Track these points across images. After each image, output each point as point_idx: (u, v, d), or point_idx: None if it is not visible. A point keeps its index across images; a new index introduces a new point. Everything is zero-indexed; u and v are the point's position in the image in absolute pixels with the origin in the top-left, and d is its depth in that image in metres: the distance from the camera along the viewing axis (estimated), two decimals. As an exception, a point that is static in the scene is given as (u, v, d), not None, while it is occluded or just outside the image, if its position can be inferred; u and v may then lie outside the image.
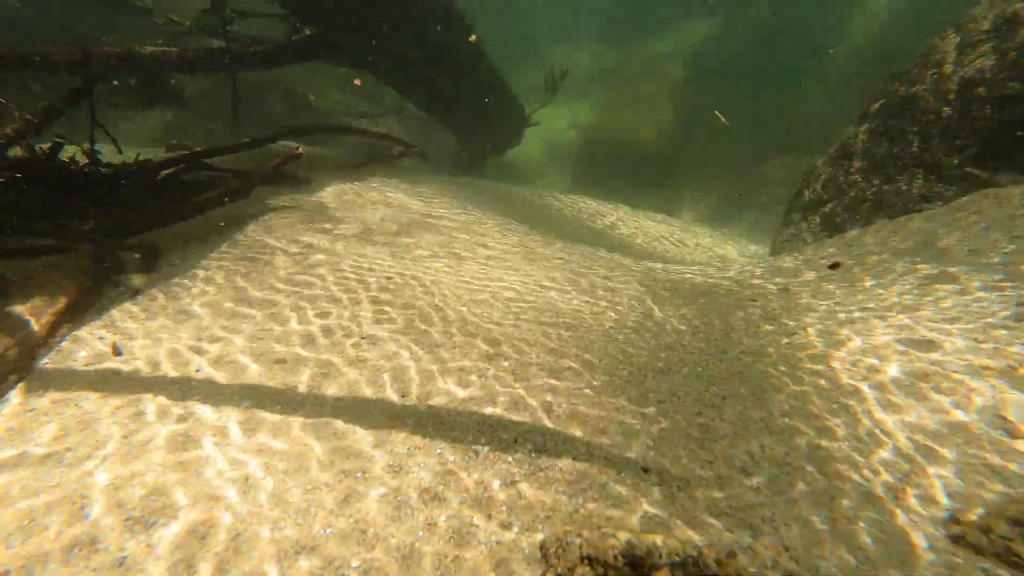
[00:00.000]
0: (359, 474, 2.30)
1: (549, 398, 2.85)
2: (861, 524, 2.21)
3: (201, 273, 4.05)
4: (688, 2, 21.99)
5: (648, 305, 4.20)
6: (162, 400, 2.67)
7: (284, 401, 2.72)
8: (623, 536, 1.95)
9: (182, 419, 2.55)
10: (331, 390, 2.82)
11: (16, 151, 4.22)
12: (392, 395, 2.81)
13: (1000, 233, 4.42)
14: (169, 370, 2.91)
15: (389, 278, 4.11)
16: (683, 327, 3.84)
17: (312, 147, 9.19)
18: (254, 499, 2.14)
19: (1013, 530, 1.92)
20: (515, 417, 2.69)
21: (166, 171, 5.21)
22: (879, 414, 2.82)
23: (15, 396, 2.65)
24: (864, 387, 3.03)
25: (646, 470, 2.45)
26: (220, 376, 2.88)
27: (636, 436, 2.66)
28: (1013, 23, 5.23)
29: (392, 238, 5.19)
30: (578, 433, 2.63)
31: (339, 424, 2.58)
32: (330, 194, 6.37)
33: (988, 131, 5.24)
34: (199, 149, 5.64)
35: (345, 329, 3.37)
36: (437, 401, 2.79)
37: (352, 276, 4.10)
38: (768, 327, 3.84)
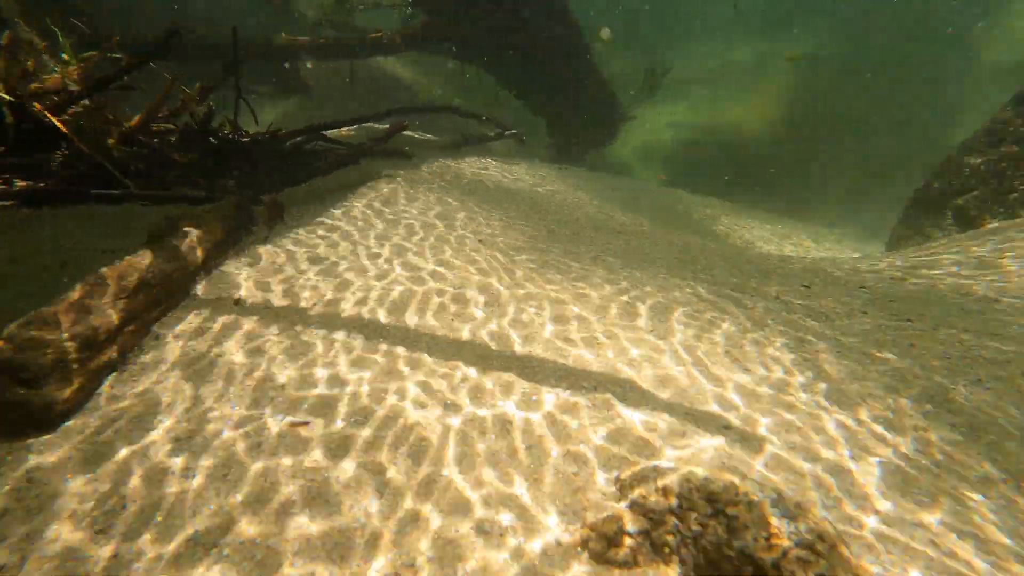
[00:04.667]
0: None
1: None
2: None
3: (319, 226, 4.54)
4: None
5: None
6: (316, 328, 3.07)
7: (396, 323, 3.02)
8: (700, 472, 1.99)
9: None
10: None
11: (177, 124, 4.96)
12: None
13: None
14: (291, 303, 3.34)
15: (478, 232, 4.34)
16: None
17: (415, 131, 9.78)
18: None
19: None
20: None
21: (291, 141, 5.87)
22: None
23: (179, 311, 3.20)
24: None
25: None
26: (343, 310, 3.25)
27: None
28: None
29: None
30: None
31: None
32: (427, 167, 6.78)
33: None
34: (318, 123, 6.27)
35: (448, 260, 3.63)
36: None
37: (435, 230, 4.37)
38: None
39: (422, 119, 10.67)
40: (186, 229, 3.31)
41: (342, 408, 2.41)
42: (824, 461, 2.28)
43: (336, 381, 2.58)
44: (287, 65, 9.33)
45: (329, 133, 6.46)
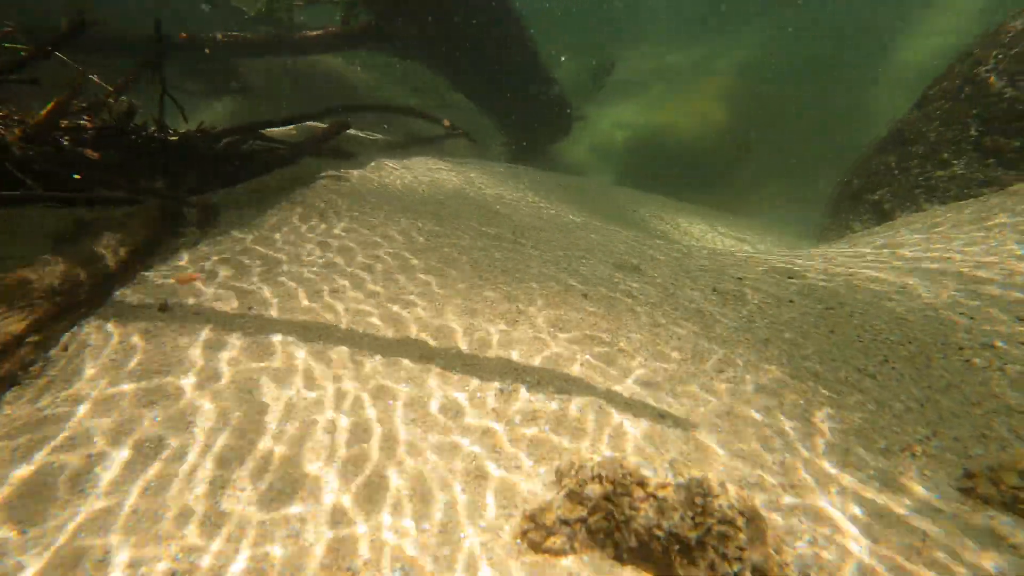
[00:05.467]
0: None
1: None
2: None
3: (254, 227, 4.36)
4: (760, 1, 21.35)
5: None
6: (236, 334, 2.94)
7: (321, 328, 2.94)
8: (633, 458, 2.05)
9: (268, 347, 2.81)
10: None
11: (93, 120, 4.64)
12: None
13: None
14: (226, 307, 3.19)
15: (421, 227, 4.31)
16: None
17: (358, 131, 9.56)
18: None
19: (1022, 481, 1.90)
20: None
21: (226, 140, 5.62)
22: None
23: (93, 320, 2.99)
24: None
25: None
26: (274, 312, 3.14)
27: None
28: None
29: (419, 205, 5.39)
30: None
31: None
32: (371, 167, 6.65)
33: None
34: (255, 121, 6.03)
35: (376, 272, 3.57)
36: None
37: (372, 243, 4.31)
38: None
39: (369, 118, 10.46)
40: (100, 232, 3.11)
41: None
42: (752, 442, 2.40)
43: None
44: (214, 58, 8.91)
45: (270, 132, 6.23)
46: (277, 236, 4.23)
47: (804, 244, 8.70)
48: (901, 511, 2.06)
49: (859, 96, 17.66)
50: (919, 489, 2.16)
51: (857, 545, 1.94)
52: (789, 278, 4.39)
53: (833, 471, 2.26)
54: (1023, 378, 2.81)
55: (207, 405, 2.34)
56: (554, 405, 2.52)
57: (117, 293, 3.25)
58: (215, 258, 3.75)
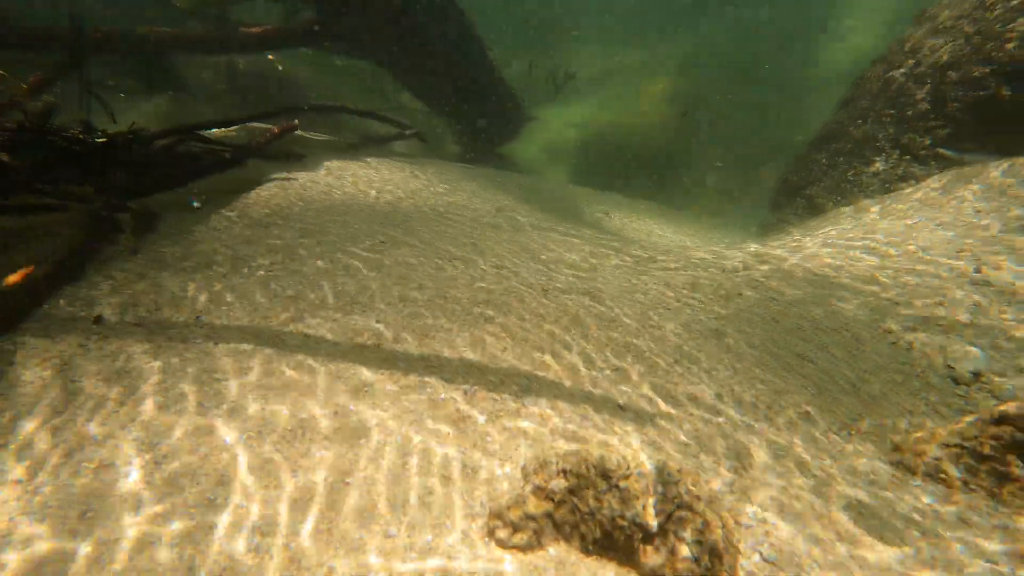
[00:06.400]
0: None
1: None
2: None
3: (195, 234, 4.16)
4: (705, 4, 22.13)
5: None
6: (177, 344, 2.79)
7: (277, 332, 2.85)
8: (596, 451, 2.11)
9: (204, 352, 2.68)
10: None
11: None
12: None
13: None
14: (174, 316, 3.03)
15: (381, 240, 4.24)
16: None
17: (307, 132, 9.25)
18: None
19: (940, 451, 2.10)
20: (499, 360, 2.82)
21: (161, 141, 5.30)
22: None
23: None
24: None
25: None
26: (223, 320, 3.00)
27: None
28: (981, 9, 5.42)
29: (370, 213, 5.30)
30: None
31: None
32: (322, 169, 6.47)
33: (959, 114, 5.43)
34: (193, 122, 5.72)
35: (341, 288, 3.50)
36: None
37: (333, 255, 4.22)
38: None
39: (321, 120, 10.14)
40: (19, 244, 2.88)
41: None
42: (707, 428, 2.52)
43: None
44: (146, 56, 8.40)
45: (217, 133, 5.94)
46: (220, 245, 4.05)
47: (748, 238, 9.18)
48: (842, 486, 2.23)
49: (796, 96, 18.76)
50: (859, 463, 2.34)
51: (799, 518, 2.08)
52: (737, 272, 4.62)
53: (781, 452, 2.41)
54: (939, 357, 3.09)
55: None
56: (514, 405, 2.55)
57: (48, 305, 3.02)
58: (151, 268, 3.55)
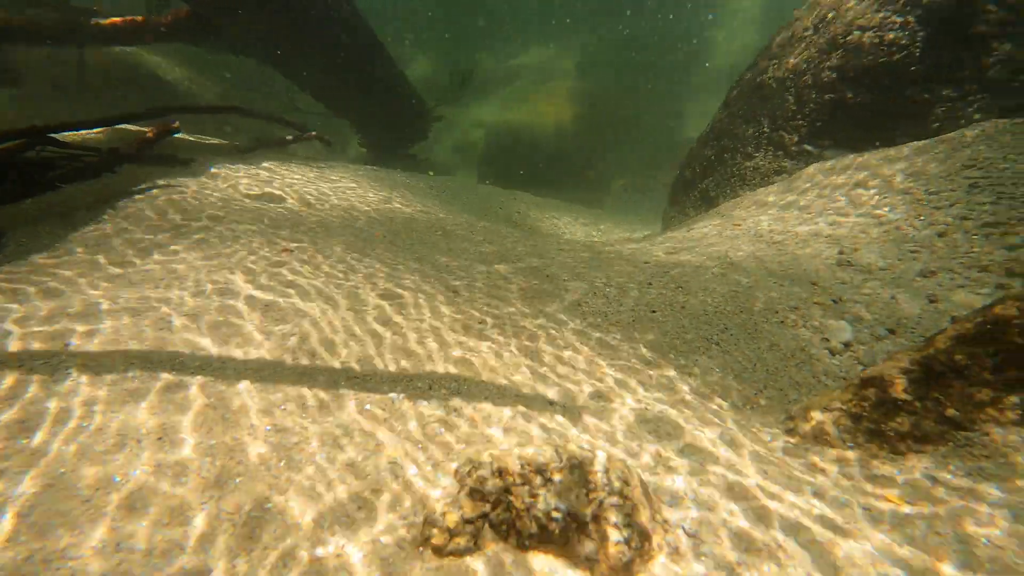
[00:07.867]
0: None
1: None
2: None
3: (58, 249, 3.62)
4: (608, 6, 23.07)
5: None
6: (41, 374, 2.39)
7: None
8: (529, 448, 2.13)
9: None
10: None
11: None
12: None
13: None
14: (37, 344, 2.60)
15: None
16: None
17: (194, 135, 8.42)
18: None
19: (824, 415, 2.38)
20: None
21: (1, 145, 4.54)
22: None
23: None
24: (729, 321, 3.50)
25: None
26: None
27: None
28: (826, 22, 6.23)
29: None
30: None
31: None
32: (212, 175, 5.93)
33: (816, 113, 6.20)
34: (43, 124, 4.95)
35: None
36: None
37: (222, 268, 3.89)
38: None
39: (208, 121, 9.27)
40: None
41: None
42: (628, 417, 2.65)
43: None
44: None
45: (81, 136, 5.17)
46: (100, 257, 3.56)
47: (651, 231, 9.79)
48: (745, 457, 2.44)
49: (685, 97, 20.33)
50: (761, 434, 2.58)
51: (718, 492, 2.25)
52: (644, 262, 4.90)
53: (696, 431, 2.59)
54: (820, 330, 3.51)
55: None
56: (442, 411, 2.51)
57: None
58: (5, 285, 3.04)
